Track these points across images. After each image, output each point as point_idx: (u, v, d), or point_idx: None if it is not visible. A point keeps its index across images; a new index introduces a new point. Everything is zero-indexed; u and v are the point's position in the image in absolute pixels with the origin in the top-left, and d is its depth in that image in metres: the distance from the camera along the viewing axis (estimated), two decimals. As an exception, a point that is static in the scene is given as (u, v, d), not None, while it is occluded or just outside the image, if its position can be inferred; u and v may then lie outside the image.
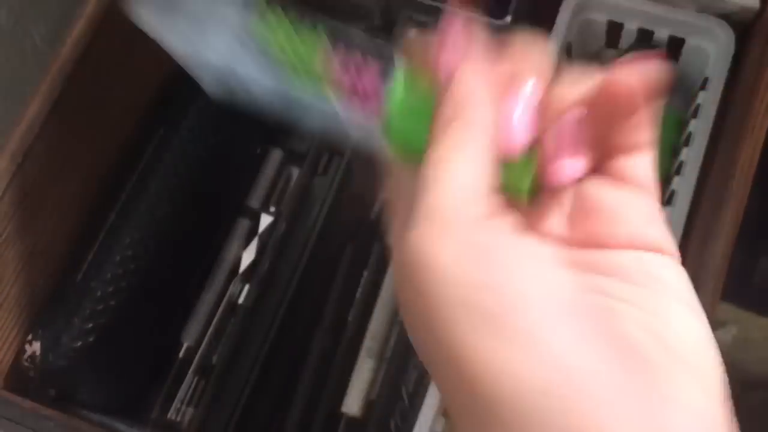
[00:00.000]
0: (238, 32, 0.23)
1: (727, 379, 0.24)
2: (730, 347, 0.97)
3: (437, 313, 0.23)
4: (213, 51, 0.23)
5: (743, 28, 0.58)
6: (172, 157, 0.59)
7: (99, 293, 0.56)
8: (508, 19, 0.62)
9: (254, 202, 0.67)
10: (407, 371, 0.60)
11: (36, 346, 0.55)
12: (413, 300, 0.24)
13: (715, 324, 0.95)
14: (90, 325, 0.55)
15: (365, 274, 0.62)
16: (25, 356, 0.55)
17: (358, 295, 0.62)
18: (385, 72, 0.24)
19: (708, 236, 0.46)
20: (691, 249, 0.52)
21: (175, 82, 0.63)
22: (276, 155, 0.69)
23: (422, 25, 0.65)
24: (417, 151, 0.24)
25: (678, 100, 0.62)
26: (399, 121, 0.25)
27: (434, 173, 0.24)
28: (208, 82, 0.24)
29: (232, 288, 0.64)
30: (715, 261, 0.45)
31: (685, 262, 0.52)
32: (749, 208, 0.74)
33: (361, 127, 0.25)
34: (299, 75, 0.24)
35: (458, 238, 0.23)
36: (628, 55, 0.61)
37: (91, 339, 0.55)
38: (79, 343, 0.55)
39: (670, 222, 0.53)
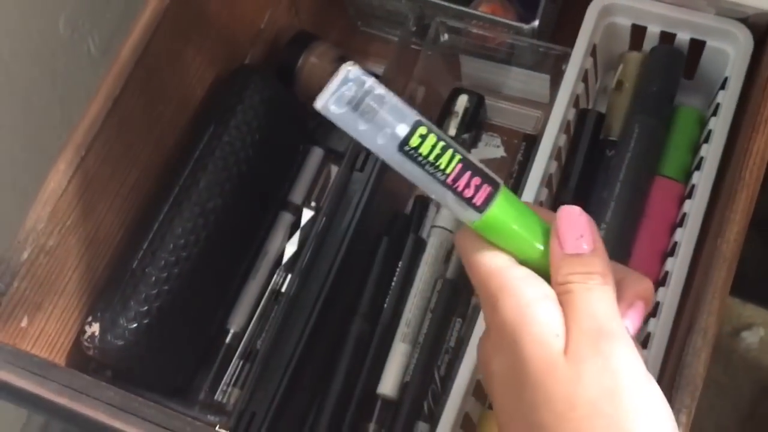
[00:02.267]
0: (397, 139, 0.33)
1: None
2: (758, 349, 0.98)
3: None
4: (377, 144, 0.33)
5: (761, 30, 0.61)
6: (222, 154, 0.63)
7: (153, 279, 0.59)
8: (536, 23, 0.65)
9: (296, 197, 0.71)
10: (439, 356, 0.63)
11: (95, 327, 0.59)
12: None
13: (743, 325, 0.97)
14: (145, 308, 0.59)
15: (400, 264, 0.65)
16: (85, 336, 0.59)
17: (393, 284, 0.65)
18: (492, 187, 0.34)
19: (722, 223, 0.49)
20: (708, 239, 0.55)
21: (224, 84, 0.68)
22: (317, 153, 0.73)
23: (454, 31, 0.68)
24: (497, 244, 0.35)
25: (699, 99, 0.65)
26: (493, 223, 0.34)
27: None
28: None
29: (276, 277, 0.68)
30: (729, 246, 0.48)
31: (702, 251, 0.55)
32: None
33: (452, 209, 0.34)
34: (431, 171, 0.33)
35: None
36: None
37: (146, 321, 0.59)
38: (135, 325, 0.58)
39: (690, 214, 0.57)
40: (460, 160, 0.33)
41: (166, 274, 0.60)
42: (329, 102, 0.32)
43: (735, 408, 0.94)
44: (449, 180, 0.33)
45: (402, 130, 0.32)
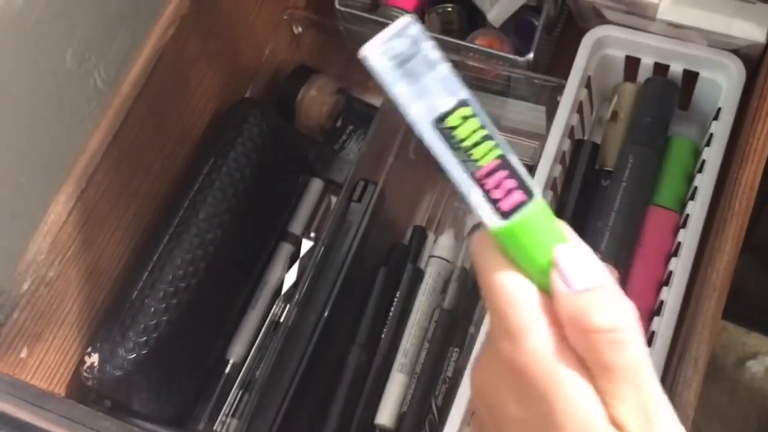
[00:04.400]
0: (436, 111, 0.29)
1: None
2: (763, 378, 0.98)
3: None
4: (410, 111, 0.30)
5: (753, 61, 0.61)
6: (221, 185, 0.64)
7: (152, 309, 0.60)
8: (531, 55, 0.66)
9: (296, 228, 0.72)
10: (436, 386, 0.63)
11: (95, 358, 0.59)
12: None
13: (748, 355, 0.96)
14: (144, 338, 0.59)
15: (397, 294, 0.66)
16: (85, 367, 0.59)
17: (390, 314, 0.65)
18: (526, 196, 0.30)
19: (713, 253, 0.49)
20: (700, 268, 0.55)
21: (225, 116, 0.69)
22: (316, 184, 0.73)
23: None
24: (514, 258, 0.30)
25: (694, 129, 0.66)
26: (515, 233, 0.30)
27: None
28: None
29: (275, 308, 0.69)
30: (718, 276, 0.48)
31: (695, 281, 0.56)
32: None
33: (475, 206, 0.30)
34: (462, 159, 0.30)
35: None
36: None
37: (145, 352, 0.59)
38: (134, 355, 0.59)
39: (684, 244, 0.57)
40: (498, 156, 0.29)
41: (165, 305, 0.60)
42: (375, 51, 0.29)
43: (742, 438, 0.94)
44: (479, 174, 0.29)
45: (444, 104, 0.29)
